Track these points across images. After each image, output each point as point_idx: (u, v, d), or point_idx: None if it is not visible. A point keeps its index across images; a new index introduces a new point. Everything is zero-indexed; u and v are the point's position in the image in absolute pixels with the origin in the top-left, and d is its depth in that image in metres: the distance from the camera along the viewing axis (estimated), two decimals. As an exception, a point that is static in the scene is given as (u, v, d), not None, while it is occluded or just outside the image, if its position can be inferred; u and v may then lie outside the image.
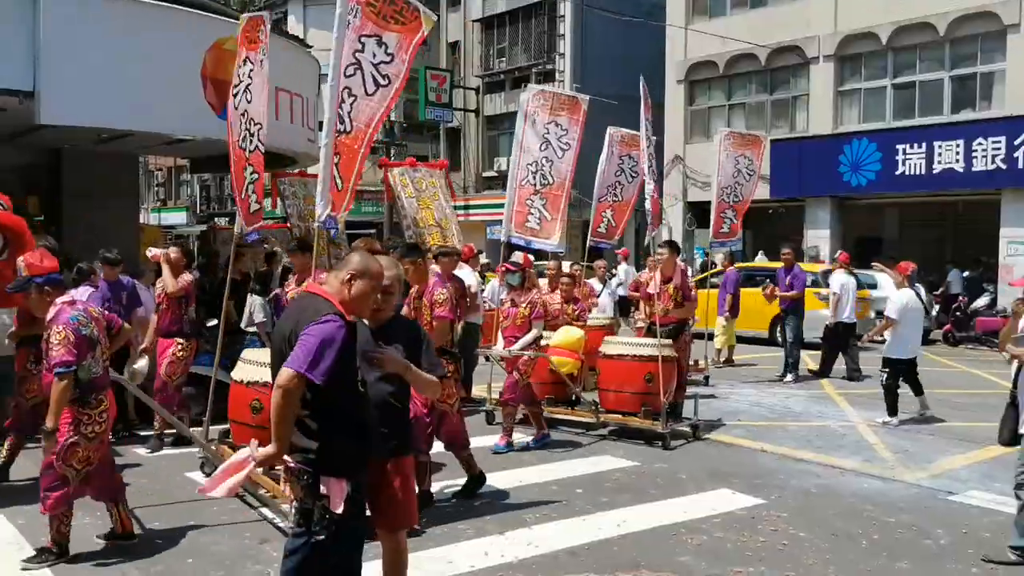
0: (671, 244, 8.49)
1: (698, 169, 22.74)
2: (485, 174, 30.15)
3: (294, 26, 33.28)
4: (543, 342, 7.69)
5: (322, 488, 2.99)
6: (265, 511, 5.39)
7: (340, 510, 2.98)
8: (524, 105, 8.22)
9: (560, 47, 27.45)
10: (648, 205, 8.19)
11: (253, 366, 5.80)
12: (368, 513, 3.39)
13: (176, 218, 42.12)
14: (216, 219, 40.79)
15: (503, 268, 8.31)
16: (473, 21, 30.45)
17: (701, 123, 23.36)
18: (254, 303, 8.49)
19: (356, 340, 3.14)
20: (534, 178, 8.23)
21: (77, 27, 7.83)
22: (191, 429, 6.38)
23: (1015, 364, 5.10)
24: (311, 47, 13.66)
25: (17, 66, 7.51)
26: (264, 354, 5.71)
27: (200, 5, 9.75)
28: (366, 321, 3.48)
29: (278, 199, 10.60)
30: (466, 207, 27.99)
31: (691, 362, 10.86)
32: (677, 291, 8.01)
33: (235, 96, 6.23)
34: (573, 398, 8.36)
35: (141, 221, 17.32)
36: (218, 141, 9.74)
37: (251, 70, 6.11)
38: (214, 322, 10.36)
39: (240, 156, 6.22)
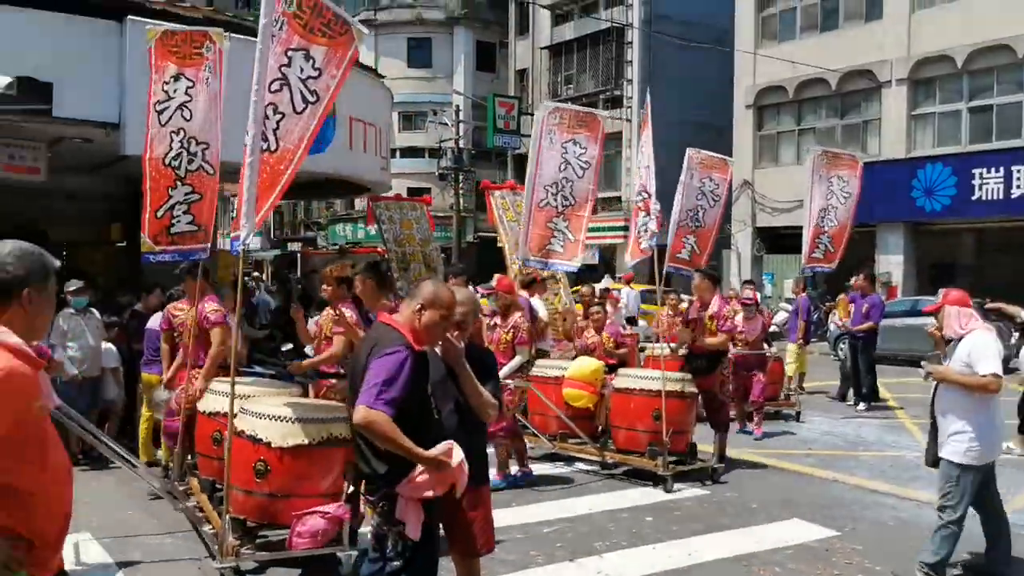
0: (706, 273, 8.18)
1: (767, 195, 22.43)
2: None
3: (365, 54, 34.18)
4: (558, 373, 7.61)
5: (398, 514, 3.02)
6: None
7: (416, 537, 3.02)
8: (539, 123, 7.84)
9: (628, 73, 27.53)
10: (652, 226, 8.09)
11: (216, 396, 5.52)
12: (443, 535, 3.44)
13: (251, 243, 43.25)
14: (289, 244, 41.90)
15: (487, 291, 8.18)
16: (541, 48, 30.79)
17: (770, 148, 23.07)
18: None
19: (427, 370, 3.17)
20: (555, 199, 7.78)
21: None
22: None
23: (932, 383, 4.95)
24: (384, 77, 14.04)
25: (105, 100, 7.91)
26: (222, 384, 5.46)
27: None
28: (438, 350, 3.46)
29: (374, 223, 10.81)
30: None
31: (782, 396, 10.74)
32: (712, 320, 7.68)
33: (159, 112, 6.01)
34: (599, 430, 7.82)
35: (218, 246, 17.92)
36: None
37: (188, 87, 5.97)
38: (289, 346, 10.65)
39: (165, 174, 6.07)
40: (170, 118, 5.98)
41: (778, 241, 22.86)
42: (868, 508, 6.51)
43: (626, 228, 26.88)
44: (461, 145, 31.82)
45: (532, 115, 30.83)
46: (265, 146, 4.73)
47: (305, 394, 6.04)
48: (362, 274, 5.64)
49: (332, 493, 4.77)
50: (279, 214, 43.12)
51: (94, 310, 7.89)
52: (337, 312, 5.62)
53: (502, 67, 34.67)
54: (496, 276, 9.22)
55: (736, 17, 23.47)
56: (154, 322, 7.75)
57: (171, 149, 6.00)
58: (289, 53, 4.73)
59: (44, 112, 7.46)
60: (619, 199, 27.36)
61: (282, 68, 4.75)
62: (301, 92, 4.73)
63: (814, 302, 13.59)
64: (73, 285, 7.60)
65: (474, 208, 34.32)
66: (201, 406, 5.69)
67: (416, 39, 35.09)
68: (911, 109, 19.87)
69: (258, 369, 7.80)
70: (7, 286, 2.30)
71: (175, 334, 6.95)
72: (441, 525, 3.40)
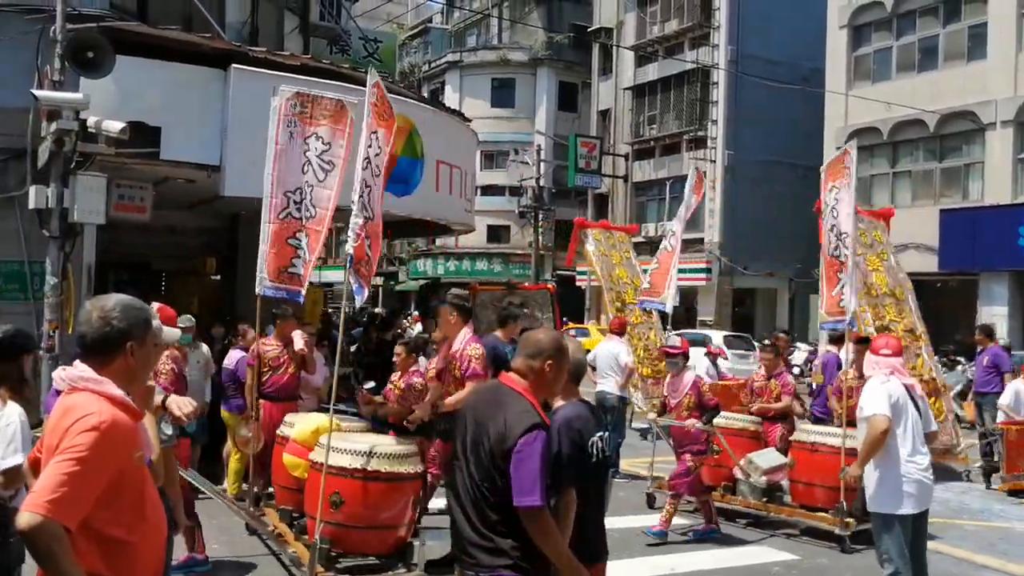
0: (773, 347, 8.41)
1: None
2: (633, 240, 30.07)
3: (451, 95, 34.91)
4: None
5: None
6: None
7: None
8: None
9: (712, 114, 27.25)
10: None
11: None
12: None
13: (335, 276, 44.37)
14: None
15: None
16: (624, 89, 30.83)
17: (863, 191, 22.31)
18: (420, 366, 8.48)
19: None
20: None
21: (259, 104, 8.48)
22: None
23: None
24: (470, 120, 14.23)
25: (208, 144, 8.19)
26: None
27: (362, 81, 10.37)
28: None
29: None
30: (583, 273, 27.93)
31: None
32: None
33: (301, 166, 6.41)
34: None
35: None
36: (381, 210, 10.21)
37: (323, 149, 6.39)
38: (371, 384, 10.72)
39: (290, 222, 6.38)
40: (307, 170, 6.35)
41: (870, 287, 22.05)
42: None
43: (708, 271, 26.51)
44: (542, 184, 31.99)
45: (613, 155, 30.87)
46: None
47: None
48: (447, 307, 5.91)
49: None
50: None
51: (203, 344, 8.10)
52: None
53: (584, 107, 34.82)
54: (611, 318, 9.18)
55: (828, 56, 22.98)
56: (230, 361, 7.95)
57: (298, 199, 6.36)
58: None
59: (153, 155, 7.78)
60: (701, 240, 26.94)
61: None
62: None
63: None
64: (185, 322, 7.86)
65: (553, 247, 34.39)
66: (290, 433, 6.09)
67: (500, 79, 35.65)
68: (1018, 152, 18.96)
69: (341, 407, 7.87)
70: (113, 340, 2.35)
71: (264, 369, 7.10)
72: None
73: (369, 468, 5.17)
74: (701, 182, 9.99)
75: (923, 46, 20.99)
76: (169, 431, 4.55)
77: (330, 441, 5.23)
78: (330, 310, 21.13)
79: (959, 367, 15.32)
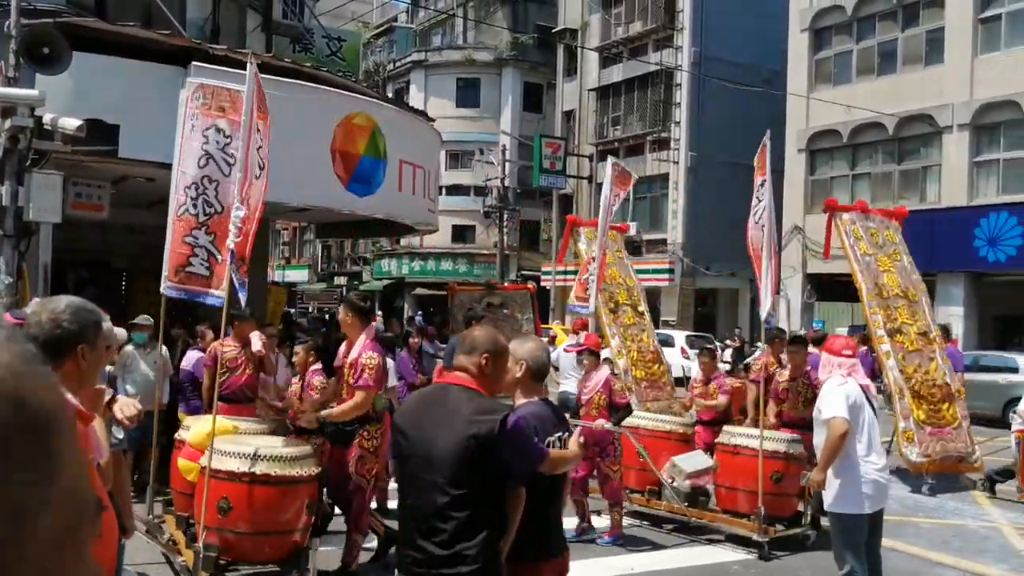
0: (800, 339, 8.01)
1: (819, 240, 22.00)
2: (571, 243, 30.26)
3: (415, 94, 34.77)
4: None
5: None
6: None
7: None
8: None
9: (676, 115, 27.49)
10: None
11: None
12: None
13: (298, 275, 44.04)
14: (336, 277, 42.41)
15: None
16: (589, 90, 30.95)
17: (823, 193, 22.69)
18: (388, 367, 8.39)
19: None
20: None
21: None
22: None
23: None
24: (434, 120, 14.20)
25: (167, 141, 8.04)
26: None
27: (327, 81, 10.31)
28: None
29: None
30: (563, 273, 28.02)
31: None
32: (806, 387, 7.49)
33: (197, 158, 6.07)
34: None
35: (267, 279, 18.23)
36: (343, 210, 10.15)
37: (221, 140, 6.12)
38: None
39: (186, 220, 6.09)
40: (205, 164, 6.00)
41: (830, 288, 22.40)
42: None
43: (671, 271, 26.72)
44: (506, 184, 32.01)
45: (577, 155, 30.98)
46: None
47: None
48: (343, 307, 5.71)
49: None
50: (327, 248, 43.75)
51: (160, 345, 7.99)
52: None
53: (549, 108, 34.92)
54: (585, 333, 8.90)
55: (789, 59, 23.32)
56: (188, 362, 7.86)
57: (194, 195, 6.03)
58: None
59: (111, 153, 7.65)
60: (664, 241, 27.17)
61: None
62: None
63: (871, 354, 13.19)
64: (142, 321, 7.75)
65: (518, 247, 34.41)
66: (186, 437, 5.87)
67: (465, 79, 35.58)
68: (974, 155, 19.41)
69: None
70: (64, 342, 2.32)
71: (221, 371, 7.01)
72: None
73: (257, 472, 4.95)
74: (624, 178, 9.90)
75: (882, 50, 21.39)
76: (121, 435, 4.48)
77: (213, 444, 5.01)
78: (292, 311, 20.88)
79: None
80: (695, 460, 7.11)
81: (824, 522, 7.15)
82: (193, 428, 5.82)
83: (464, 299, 12.18)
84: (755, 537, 6.62)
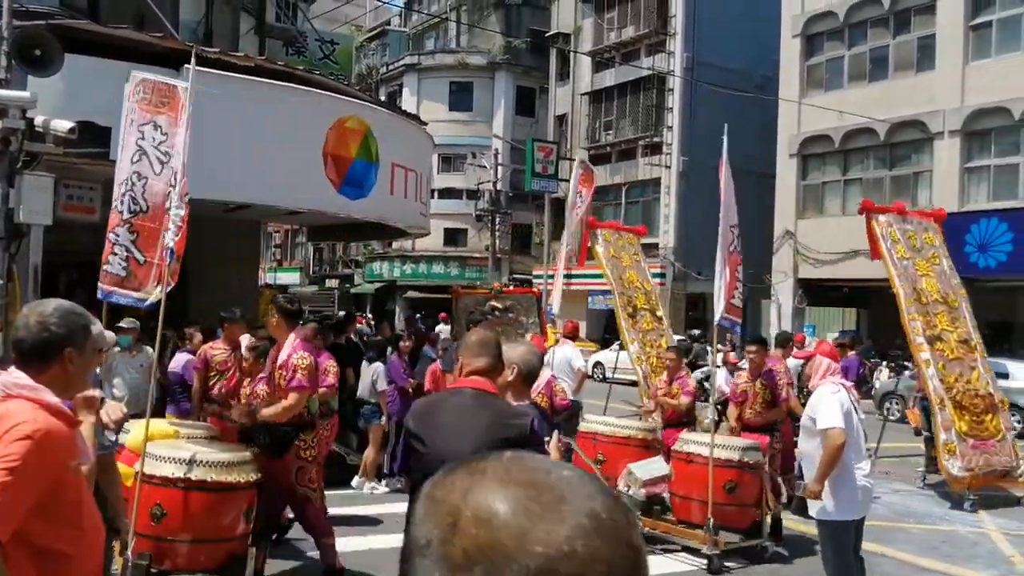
0: (761, 340, 7.80)
1: (810, 245, 22.12)
2: (589, 244, 30.26)
3: (408, 98, 34.76)
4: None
5: None
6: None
7: None
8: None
9: (668, 120, 27.56)
10: None
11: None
12: None
13: (290, 278, 43.90)
14: (327, 280, 42.31)
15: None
16: (581, 95, 31.01)
17: (814, 198, 22.82)
18: (377, 371, 8.30)
19: None
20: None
21: (215, 104, 8.37)
22: None
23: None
24: (426, 124, 14.21)
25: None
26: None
27: (320, 84, 10.31)
28: None
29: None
30: (568, 276, 28.04)
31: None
32: (765, 389, 7.32)
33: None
34: None
35: (259, 281, 18.19)
36: (335, 213, 10.13)
37: (159, 139, 5.90)
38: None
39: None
40: (138, 160, 5.73)
41: (821, 293, 22.48)
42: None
43: (663, 276, 26.76)
44: (499, 188, 32.02)
45: (570, 159, 31.02)
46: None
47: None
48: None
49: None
50: (319, 251, 43.68)
51: (148, 348, 7.95)
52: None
53: (541, 112, 34.97)
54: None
55: (781, 65, 23.42)
56: (177, 364, 7.81)
57: (121, 191, 5.74)
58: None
59: (102, 155, 7.62)
60: (656, 246, 27.21)
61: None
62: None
63: (861, 359, 13.28)
64: (126, 323, 7.70)
65: (510, 250, 34.41)
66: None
67: (458, 83, 35.59)
68: (964, 161, 19.51)
69: None
70: (51, 346, 2.31)
71: (211, 374, 6.99)
72: None
73: (193, 477, 4.80)
74: (588, 177, 9.85)
75: (874, 56, 21.49)
76: (113, 437, 4.45)
77: (145, 448, 4.85)
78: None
79: (906, 372, 15.69)
80: (651, 468, 6.92)
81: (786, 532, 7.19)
82: (132, 432, 5.40)
83: (468, 302, 12.17)
84: (704, 549, 6.42)
